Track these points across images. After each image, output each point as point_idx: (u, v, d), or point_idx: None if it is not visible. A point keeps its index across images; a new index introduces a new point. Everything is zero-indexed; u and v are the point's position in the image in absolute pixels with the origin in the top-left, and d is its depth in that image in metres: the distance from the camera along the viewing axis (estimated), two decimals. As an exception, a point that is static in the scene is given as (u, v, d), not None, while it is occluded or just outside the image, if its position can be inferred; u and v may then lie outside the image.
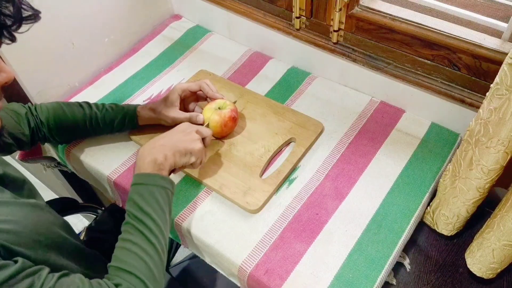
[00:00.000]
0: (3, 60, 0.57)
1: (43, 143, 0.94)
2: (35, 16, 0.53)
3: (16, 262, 0.53)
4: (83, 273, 0.62)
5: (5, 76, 0.56)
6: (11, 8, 0.50)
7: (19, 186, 0.68)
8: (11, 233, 0.56)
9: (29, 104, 0.88)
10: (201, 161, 0.80)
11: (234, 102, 0.95)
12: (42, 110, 0.88)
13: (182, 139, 0.76)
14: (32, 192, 0.71)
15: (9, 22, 0.50)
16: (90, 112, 0.89)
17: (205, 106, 0.93)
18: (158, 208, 0.69)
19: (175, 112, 0.90)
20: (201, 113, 0.92)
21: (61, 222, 0.71)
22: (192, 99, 0.97)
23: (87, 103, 0.91)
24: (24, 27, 0.53)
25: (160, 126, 0.95)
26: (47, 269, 0.56)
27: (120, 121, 0.91)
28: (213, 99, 0.93)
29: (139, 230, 0.66)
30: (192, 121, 0.90)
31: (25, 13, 0.52)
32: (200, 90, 0.94)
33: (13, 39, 0.52)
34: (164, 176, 0.72)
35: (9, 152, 0.86)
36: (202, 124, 0.89)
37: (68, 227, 0.74)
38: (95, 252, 0.81)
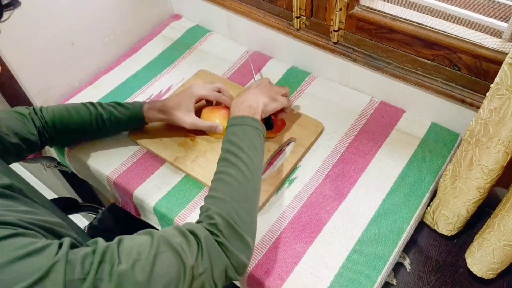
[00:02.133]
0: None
1: (51, 145, 0.92)
2: (14, 2, 0.49)
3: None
4: None
5: None
6: None
7: (26, 197, 0.67)
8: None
9: (33, 106, 0.87)
10: (289, 104, 0.90)
11: None
12: (48, 111, 0.86)
13: (271, 89, 0.86)
14: (44, 204, 0.70)
15: None
16: (96, 111, 0.87)
17: (214, 111, 0.93)
18: (250, 144, 0.73)
19: (194, 119, 0.89)
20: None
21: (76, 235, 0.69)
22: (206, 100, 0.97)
23: (91, 103, 0.89)
24: (4, 15, 0.49)
25: (160, 127, 0.95)
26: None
27: (126, 122, 0.90)
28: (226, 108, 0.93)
29: (231, 162, 0.69)
30: (211, 131, 0.90)
31: (4, 1, 0.48)
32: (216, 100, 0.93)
33: None
34: (256, 118, 0.78)
35: (20, 157, 0.84)
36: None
37: (82, 238, 0.71)
38: None
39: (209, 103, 0.97)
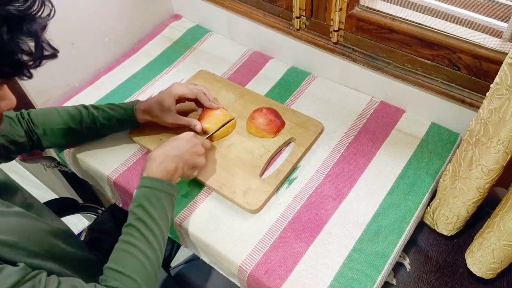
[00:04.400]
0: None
1: (41, 149, 0.93)
2: (53, 55, 0.53)
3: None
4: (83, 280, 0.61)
5: (8, 103, 0.57)
6: (32, 48, 0.50)
7: (11, 193, 0.66)
8: (6, 245, 0.55)
9: (20, 111, 0.87)
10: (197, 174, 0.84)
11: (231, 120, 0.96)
12: (37, 114, 0.87)
13: (191, 152, 0.79)
14: (27, 200, 0.70)
15: (30, 62, 0.50)
16: (87, 112, 0.88)
17: (206, 115, 0.93)
18: (163, 215, 0.70)
19: (175, 117, 0.90)
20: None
21: (56, 231, 0.68)
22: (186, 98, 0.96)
23: (83, 105, 0.91)
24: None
25: (160, 127, 0.95)
26: (45, 273, 0.55)
27: (119, 121, 0.90)
28: (209, 108, 0.93)
29: (143, 235, 0.66)
30: (190, 128, 0.91)
31: (46, 53, 0.52)
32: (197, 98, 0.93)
33: (31, 76, 0.52)
34: (173, 184, 0.75)
35: (8, 158, 0.85)
36: (198, 133, 0.90)
37: (64, 235, 0.71)
38: (95, 258, 0.79)
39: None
